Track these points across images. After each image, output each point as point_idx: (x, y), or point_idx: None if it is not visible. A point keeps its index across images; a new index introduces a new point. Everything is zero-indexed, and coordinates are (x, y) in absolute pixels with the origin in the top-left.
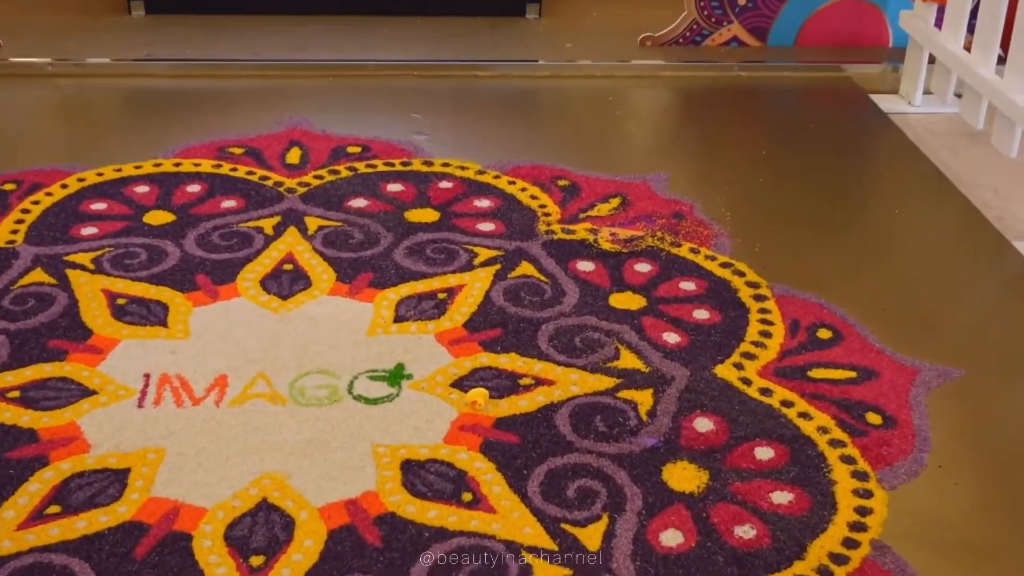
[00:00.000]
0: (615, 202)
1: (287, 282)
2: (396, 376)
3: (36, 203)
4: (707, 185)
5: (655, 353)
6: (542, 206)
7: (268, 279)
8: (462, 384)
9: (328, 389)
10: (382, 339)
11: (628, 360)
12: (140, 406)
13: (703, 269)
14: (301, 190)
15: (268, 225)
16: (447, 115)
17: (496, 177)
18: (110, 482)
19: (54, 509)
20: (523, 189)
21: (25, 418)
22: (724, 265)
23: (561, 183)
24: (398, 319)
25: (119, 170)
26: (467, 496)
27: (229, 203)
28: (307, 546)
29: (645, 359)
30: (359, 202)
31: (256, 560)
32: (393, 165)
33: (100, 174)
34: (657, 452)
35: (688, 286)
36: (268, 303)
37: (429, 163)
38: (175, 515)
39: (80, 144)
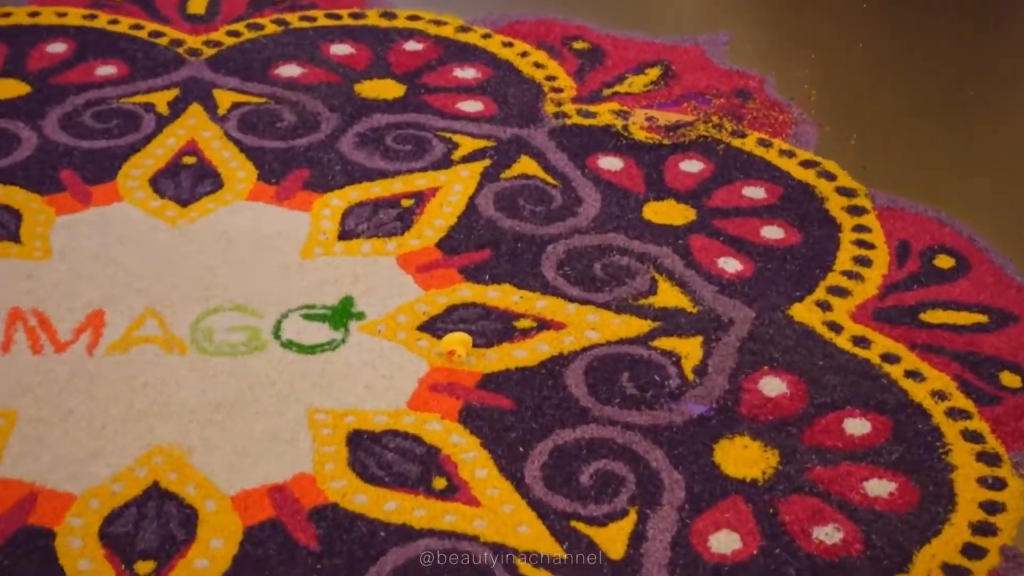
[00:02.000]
0: (654, 73)
1: (188, 181)
2: (342, 315)
3: None
4: (784, 52)
5: (707, 286)
6: (550, 78)
7: (162, 177)
8: (434, 327)
9: (246, 332)
10: (322, 263)
11: (669, 296)
12: None
13: (777, 169)
14: (208, 52)
15: (162, 101)
16: None
17: (485, 37)
18: None
19: None
20: (523, 54)
21: None
22: (806, 164)
23: (577, 46)
24: (345, 235)
25: None
26: (440, 482)
27: (107, 69)
28: (215, 548)
29: (693, 294)
30: (291, 69)
31: (144, 567)
32: (339, 18)
33: None
34: (707, 424)
35: (755, 193)
36: (161, 211)
37: (390, 15)
38: (30, 504)
39: None
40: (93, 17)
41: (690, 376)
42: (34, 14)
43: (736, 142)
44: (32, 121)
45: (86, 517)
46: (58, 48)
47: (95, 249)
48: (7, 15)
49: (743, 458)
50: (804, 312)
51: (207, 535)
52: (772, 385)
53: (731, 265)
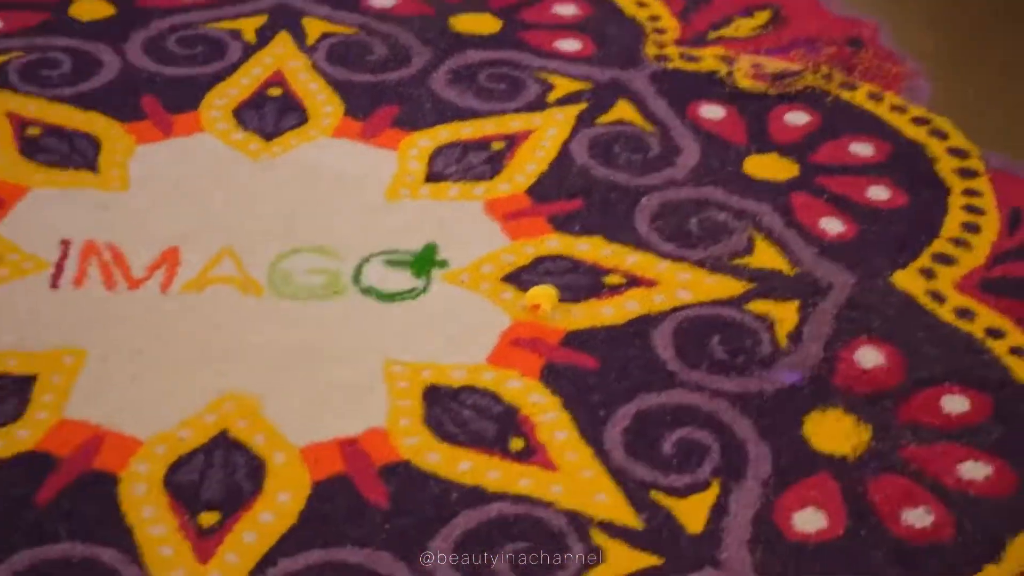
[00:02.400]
0: (762, 17)
1: (273, 114)
2: (425, 262)
3: None
4: None
5: (807, 248)
6: (653, 18)
7: (246, 108)
8: (520, 279)
9: (325, 275)
10: (407, 206)
11: (766, 256)
12: (55, 286)
13: (886, 125)
14: None
15: (249, 28)
16: None
17: None
18: (8, 393)
19: None
20: None
21: None
22: (918, 121)
23: None
24: (433, 177)
25: None
26: (517, 443)
27: None
28: (282, 502)
29: (791, 256)
30: (384, 0)
31: (208, 518)
32: None
33: None
34: (798, 394)
35: (862, 149)
36: (245, 144)
37: None
38: (96, 446)
39: None
40: None
41: (783, 343)
42: None
43: (845, 94)
44: (115, 44)
45: (151, 463)
46: None
47: (174, 181)
48: None
49: (834, 432)
50: (907, 279)
51: (275, 488)
52: (869, 356)
53: (833, 226)
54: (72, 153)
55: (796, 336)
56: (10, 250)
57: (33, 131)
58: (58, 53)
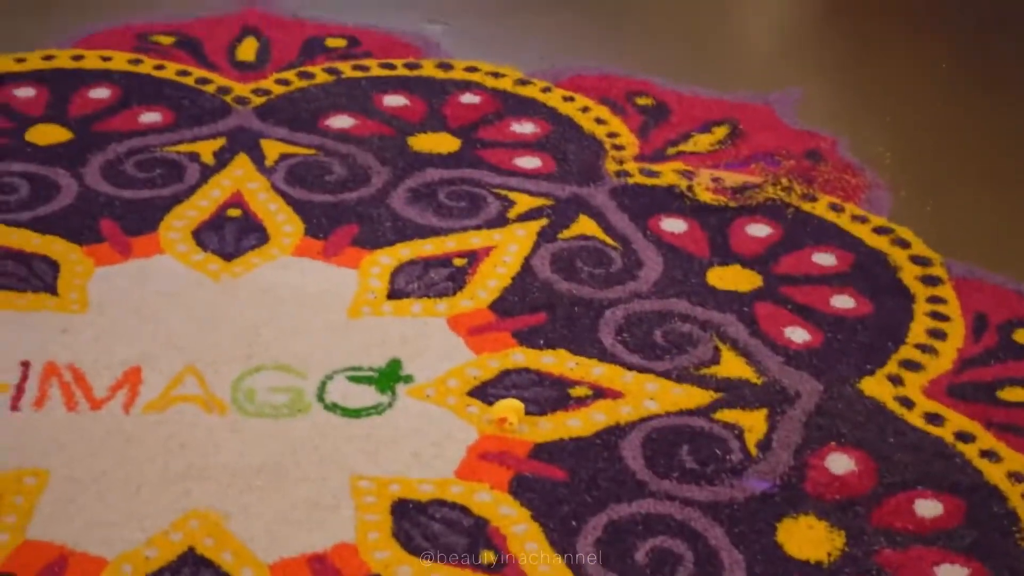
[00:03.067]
0: (721, 132)
1: (233, 235)
2: (389, 377)
3: None
4: (858, 111)
5: (773, 357)
6: (612, 135)
7: (205, 230)
8: (486, 393)
9: (289, 393)
10: (370, 323)
11: (732, 365)
12: (15, 408)
13: (848, 235)
14: (257, 100)
15: (207, 151)
16: None
17: (545, 90)
18: None
19: None
20: (585, 109)
21: None
22: (880, 230)
23: (641, 101)
24: (395, 294)
25: None
26: (488, 556)
27: (151, 116)
28: None
29: (758, 365)
30: (342, 120)
31: None
32: (394, 68)
33: None
34: (770, 501)
35: (825, 259)
36: (204, 264)
37: (447, 66)
38: (62, 567)
39: None
40: (138, 62)
41: (753, 451)
42: (78, 58)
43: (806, 206)
44: (73, 168)
45: None
46: (101, 94)
47: (134, 303)
48: (50, 58)
49: (808, 539)
50: (875, 386)
51: None
52: (840, 462)
53: (799, 335)
54: (31, 276)
55: (766, 444)
56: None
57: None
58: (15, 178)
